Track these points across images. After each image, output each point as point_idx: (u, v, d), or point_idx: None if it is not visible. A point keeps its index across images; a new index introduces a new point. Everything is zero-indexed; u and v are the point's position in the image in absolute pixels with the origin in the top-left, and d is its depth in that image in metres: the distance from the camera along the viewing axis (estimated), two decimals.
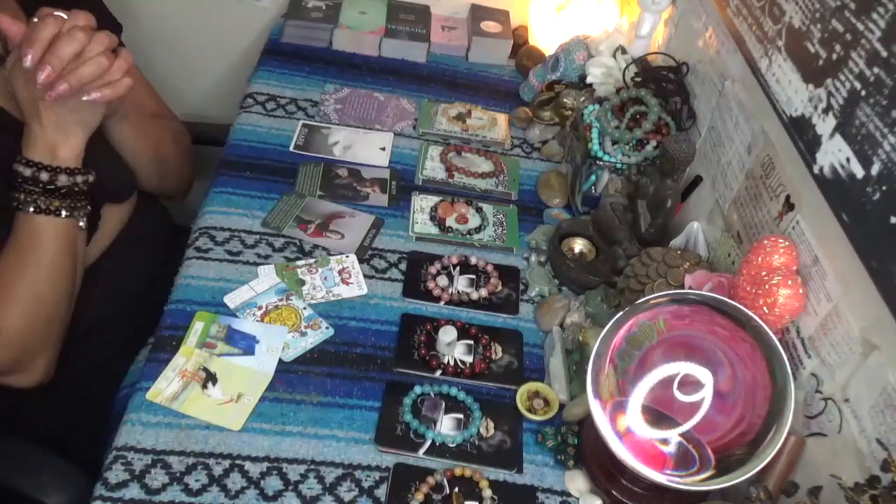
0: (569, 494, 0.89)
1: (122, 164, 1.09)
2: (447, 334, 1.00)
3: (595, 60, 1.36)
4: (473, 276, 1.13)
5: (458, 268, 1.14)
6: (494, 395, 0.99)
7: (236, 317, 1.00)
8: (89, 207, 0.98)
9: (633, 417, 0.83)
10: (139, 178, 1.14)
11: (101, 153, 1.01)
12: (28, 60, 0.85)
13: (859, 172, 0.73)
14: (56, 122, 0.92)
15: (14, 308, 0.93)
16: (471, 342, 1.03)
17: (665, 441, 0.82)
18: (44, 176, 0.92)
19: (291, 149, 1.29)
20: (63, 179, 0.94)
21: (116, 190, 1.08)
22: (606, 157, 1.20)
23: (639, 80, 1.25)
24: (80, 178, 0.95)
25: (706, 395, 0.82)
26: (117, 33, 1.19)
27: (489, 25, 1.63)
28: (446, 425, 0.93)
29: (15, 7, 1.01)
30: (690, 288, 0.93)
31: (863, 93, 0.74)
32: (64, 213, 0.94)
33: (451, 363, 1.00)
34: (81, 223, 0.98)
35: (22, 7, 1.02)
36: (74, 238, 0.98)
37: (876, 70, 0.72)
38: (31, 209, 0.93)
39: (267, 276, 1.06)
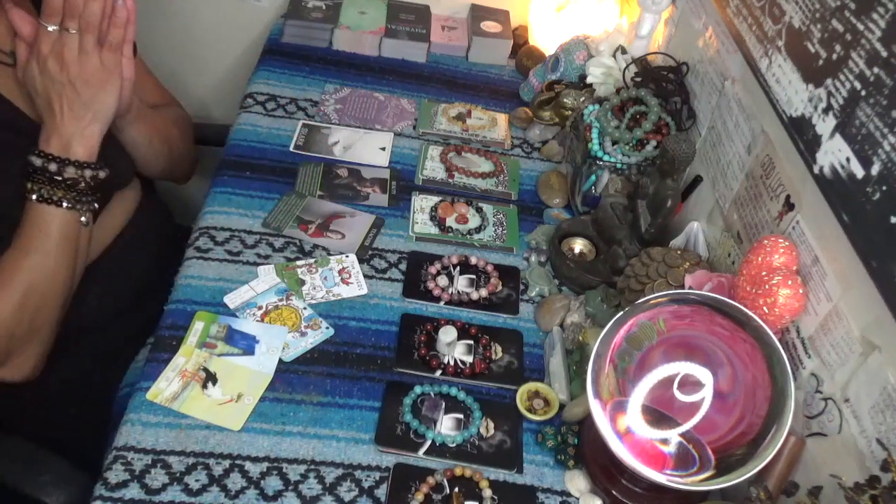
0: (569, 494, 0.89)
1: (120, 149, 1.09)
2: (447, 334, 1.00)
3: (595, 60, 1.36)
4: (473, 276, 1.13)
5: (458, 268, 1.14)
6: (494, 395, 0.99)
7: (236, 317, 1.00)
8: (96, 206, 0.99)
9: (633, 417, 0.83)
10: (148, 166, 1.16)
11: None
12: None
13: (859, 172, 0.73)
14: (71, 114, 0.94)
15: (5, 293, 0.92)
16: (471, 342, 1.03)
17: (665, 441, 0.82)
18: (52, 166, 0.93)
19: (291, 149, 1.29)
20: (70, 171, 0.94)
21: (118, 176, 1.07)
22: (606, 157, 1.20)
23: (639, 80, 1.25)
24: (87, 173, 0.96)
25: (706, 395, 0.82)
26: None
27: (489, 25, 1.63)
28: (446, 425, 0.93)
29: (29, 6, 1.01)
30: (690, 288, 0.93)
31: (863, 93, 0.74)
32: (66, 204, 0.95)
33: (451, 363, 1.00)
34: (83, 218, 0.97)
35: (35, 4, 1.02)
36: (76, 233, 0.97)
37: (876, 70, 0.72)
38: (34, 197, 0.93)
39: (267, 276, 1.06)
